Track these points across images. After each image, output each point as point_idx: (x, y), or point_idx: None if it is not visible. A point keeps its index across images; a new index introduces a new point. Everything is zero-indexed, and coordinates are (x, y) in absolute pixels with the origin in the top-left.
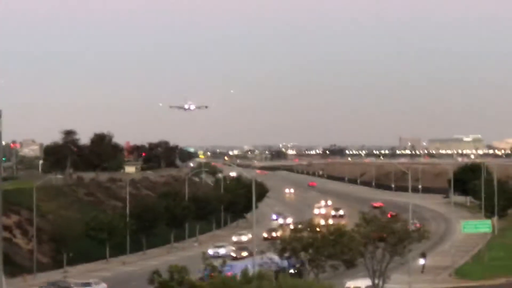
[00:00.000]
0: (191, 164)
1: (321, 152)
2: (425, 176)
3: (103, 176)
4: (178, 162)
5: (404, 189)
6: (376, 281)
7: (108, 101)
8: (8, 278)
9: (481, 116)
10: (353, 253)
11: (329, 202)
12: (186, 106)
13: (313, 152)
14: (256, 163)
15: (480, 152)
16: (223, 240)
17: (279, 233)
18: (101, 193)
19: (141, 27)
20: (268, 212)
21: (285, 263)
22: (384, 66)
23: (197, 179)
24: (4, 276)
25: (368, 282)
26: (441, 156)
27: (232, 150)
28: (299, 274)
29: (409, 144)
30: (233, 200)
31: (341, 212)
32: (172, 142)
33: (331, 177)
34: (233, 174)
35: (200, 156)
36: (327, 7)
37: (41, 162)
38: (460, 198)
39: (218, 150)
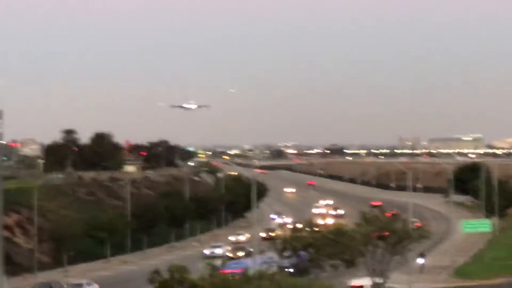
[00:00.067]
0: (191, 164)
1: (321, 152)
2: (425, 175)
3: (104, 176)
4: (178, 161)
5: (404, 188)
6: (378, 280)
7: (109, 101)
8: (8, 277)
9: (481, 116)
10: (353, 252)
11: (330, 202)
12: (187, 106)
13: (313, 151)
14: (256, 162)
15: (480, 151)
16: (223, 239)
17: (277, 233)
18: (101, 193)
19: (141, 27)
20: (268, 211)
21: (285, 262)
22: (384, 66)
23: (197, 179)
24: (5, 276)
25: (372, 280)
26: (441, 155)
27: (232, 149)
28: (304, 271)
29: (409, 143)
30: (233, 200)
31: (340, 211)
32: (172, 141)
33: (331, 177)
34: (234, 172)
35: (200, 155)
36: (327, 7)
37: (41, 161)
38: (460, 198)
39: (218, 149)
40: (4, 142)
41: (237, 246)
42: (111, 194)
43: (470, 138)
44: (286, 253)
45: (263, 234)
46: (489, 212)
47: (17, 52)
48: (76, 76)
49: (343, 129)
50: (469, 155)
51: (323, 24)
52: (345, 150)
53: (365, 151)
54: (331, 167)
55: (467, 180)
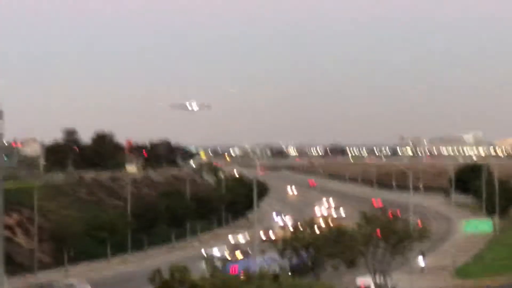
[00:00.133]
0: (192, 163)
1: (322, 151)
2: (426, 175)
3: (104, 175)
4: (179, 161)
5: (405, 188)
6: (383, 279)
7: (109, 101)
8: (9, 277)
9: (483, 116)
10: (354, 252)
11: (331, 202)
12: (188, 106)
13: (314, 151)
14: (257, 162)
15: (481, 151)
16: (223, 239)
17: (276, 234)
18: (102, 192)
19: (141, 27)
20: (269, 211)
21: (286, 262)
22: (385, 65)
23: (198, 178)
24: (5, 275)
25: (379, 279)
26: (442, 155)
27: (233, 149)
28: (305, 271)
29: (410, 143)
30: (234, 199)
31: (341, 212)
32: (173, 141)
33: (332, 176)
34: (235, 172)
35: (201, 155)
36: (327, 7)
37: (42, 161)
38: (461, 198)
39: (219, 149)
40: (5, 142)
41: (235, 247)
42: (112, 194)
43: (471, 138)
44: (286, 253)
45: (262, 235)
46: (490, 212)
47: (17, 52)
48: (76, 76)
49: (344, 129)
50: (471, 155)
51: (323, 24)
52: (346, 148)
53: (366, 151)
54: (332, 167)
55: (468, 180)
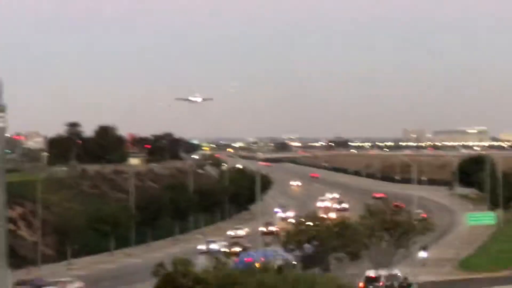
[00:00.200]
0: (195, 156)
1: (325, 144)
2: (429, 168)
3: (108, 168)
4: (182, 154)
5: (408, 181)
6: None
7: (110, 100)
8: (12, 270)
9: (486, 108)
10: (358, 245)
11: (335, 195)
12: (192, 98)
13: (317, 144)
14: (260, 155)
15: (485, 144)
16: (226, 232)
17: (277, 227)
18: (105, 185)
19: (141, 27)
20: (272, 204)
21: (290, 255)
22: (388, 59)
23: (201, 171)
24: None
25: (389, 271)
26: (446, 148)
27: (236, 142)
28: (309, 264)
29: (414, 136)
30: (237, 192)
31: (344, 205)
32: (176, 134)
33: (335, 169)
34: (238, 165)
35: (204, 148)
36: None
37: (45, 154)
38: (465, 190)
39: (222, 142)
40: (8, 135)
41: (233, 241)
42: (115, 187)
43: (475, 131)
44: (290, 246)
45: (263, 229)
46: (493, 204)
47: (21, 44)
48: (76, 76)
49: (347, 122)
50: (474, 147)
51: (325, 17)
52: (349, 143)
53: (369, 144)
54: (335, 160)
55: (472, 172)
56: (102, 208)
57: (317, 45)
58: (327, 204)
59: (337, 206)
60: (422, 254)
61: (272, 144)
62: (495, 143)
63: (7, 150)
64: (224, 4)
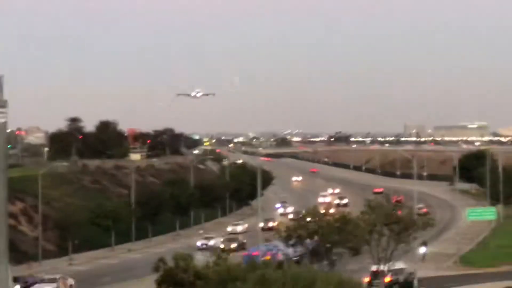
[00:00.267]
0: (196, 151)
1: (326, 139)
2: (430, 163)
3: (108, 164)
4: (183, 149)
5: (409, 176)
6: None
7: (114, 89)
8: (13, 265)
9: (487, 103)
10: (358, 240)
11: (337, 190)
12: (193, 94)
13: (318, 139)
14: (261, 150)
15: (486, 139)
16: (226, 228)
17: (276, 223)
18: (106, 181)
19: (141, 27)
20: (274, 199)
21: (290, 250)
22: (389, 53)
23: (202, 167)
24: (10, 264)
25: (396, 265)
26: (446, 143)
27: (237, 137)
28: (310, 259)
29: (414, 131)
30: (238, 188)
31: (345, 201)
32: (177, 129)
33: (336, 164)
34: (239, 161)
35: (205, 143)
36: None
37: (46, 149)
38: (465, 186)
39: (223, 137)
40: (9, 130)
41: (230, 238)
42: (116, 182)
43: (476, 126)
44: (291, 242)
45: (261, 224)
46: (494, 199)
47: (22, 38)
48: (82, 63)
49: (348, 117)
50: (475, 143)
51: (325, 11)
52: (350, 138)
53: (370, 139)
54: (336, 155)
55: (472, 168)
56: (103, 203)
57: (317, 43)
58: (328, 199)
59: (337, 201)
60: (422, 249)
61: (273, 139)
62: (495, 138)
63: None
64: (224, 4)
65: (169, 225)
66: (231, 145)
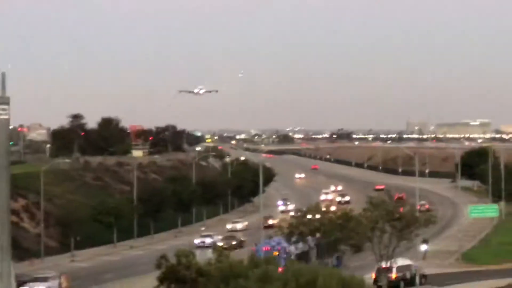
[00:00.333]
0: (198, 148)
1: (328, 136)
2: (432, 160)
3: (110, 160)
4: (185, 146)
5: (411, 173)
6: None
7: (116, 86)
8: (16, 261)
9: (489, 101)
10: (360, 237)
11: (339, 187)
12: (196, 90)
13: (320, 136)
14: (263, 147)
15: (488, 136)
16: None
17: (276, 221)
18: (108, 177)
19: (141, 27)
20: (275, 196)
21: (292, 247)
22: (391, 51)
23: (204, 163)
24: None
25: (402, 262)
26: (449, 140)
27: (239, 134)
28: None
29: (417, 128)
30: (240, 184)
31: (346, 198)
32: (179, 126)
33: (338, 161)
34: (241, 157)
35: (208, 140)
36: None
37: (48, 146)
38: (467, 183)
39: (225, 134)
40: (11, 127)
41: (228, 235)
42: (118, 179)
43: (478, 123)
44: (293, 239)
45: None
46: (496, 197)
47: (25, 36)
48: (84, 60)
49: (350, 114)
50: (477, 140)
51: (328, 9)
52: (352, 135)
53: (372, 136)
54: (338, 152)
55: (475, 165)
56: (105, 200)
57: (323, 30)
58: (330, 197)
59: (339, 199)
60: (423, 247)
61: (275, 136)
62: (498, 135)
63: (10, 142)
64: (224, 4)
65: (171, 222)
66: (233, 142)
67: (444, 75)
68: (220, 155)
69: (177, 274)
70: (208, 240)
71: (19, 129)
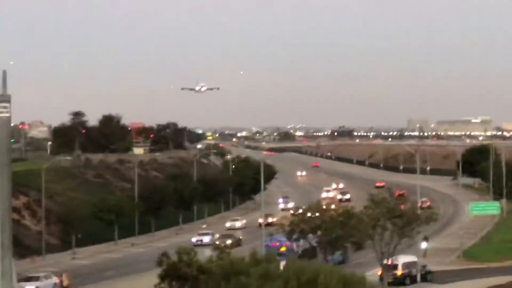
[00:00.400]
0: (200, 146)
1: (329, 134)
2: (433, 158)
3: (112, 158)
4: (186, 143)
5: (412, 171)
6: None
7: (117, 85)
8: (17, 259)
9: (490, 98)
10: (361, 235)
11: (341, 185)
12: (197, 88)
13: (321, 133)
14: (264, 144)
15: (489, 133)
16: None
17: (275, 219)
18: (109, 175)
19: (141, 27)
20: (276, 193)
21: (294, 245)
22: (392, 49)
23: (205, 161)
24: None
25: (408, 258)
26: (450, 137)
27: (240, 131)
28: (313, 254)
29: (418, 125)
30: (241, 182)
31: (347, 196)
32: (180, 124)
33: (339, 159)
34: (243, 155)
35: (209, 137)
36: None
37: (49, 143)
38: (468, 180)
39: (226, 132)
40: (12, 124)
41: (226, 234)
42: (119, 176)
43: (479, 120)
44: (294, 236)
45: (261, 220)
46: (497, 194)
47: (26, 33)
48: (85, 58)
49: (351, 112)
50: (479, 137)
51: (330, 7)
52: (353, 133)
53: (373, 134)
54: (339, 149)
55: (476, 162)
56: (106, 197)
57: (325, 28)
58: (331, 194)
59: (340, 197)
60: (423, 244)
61: (276, 134)
62: (499, 133)
63: (11, 140)
64: (224, 4)
65: (172, 220)
66: (234, 139)
67: (444, 74)
68: (221, 153)
69: (178, 271)
70: (206, 239)
71: (20, 126)
